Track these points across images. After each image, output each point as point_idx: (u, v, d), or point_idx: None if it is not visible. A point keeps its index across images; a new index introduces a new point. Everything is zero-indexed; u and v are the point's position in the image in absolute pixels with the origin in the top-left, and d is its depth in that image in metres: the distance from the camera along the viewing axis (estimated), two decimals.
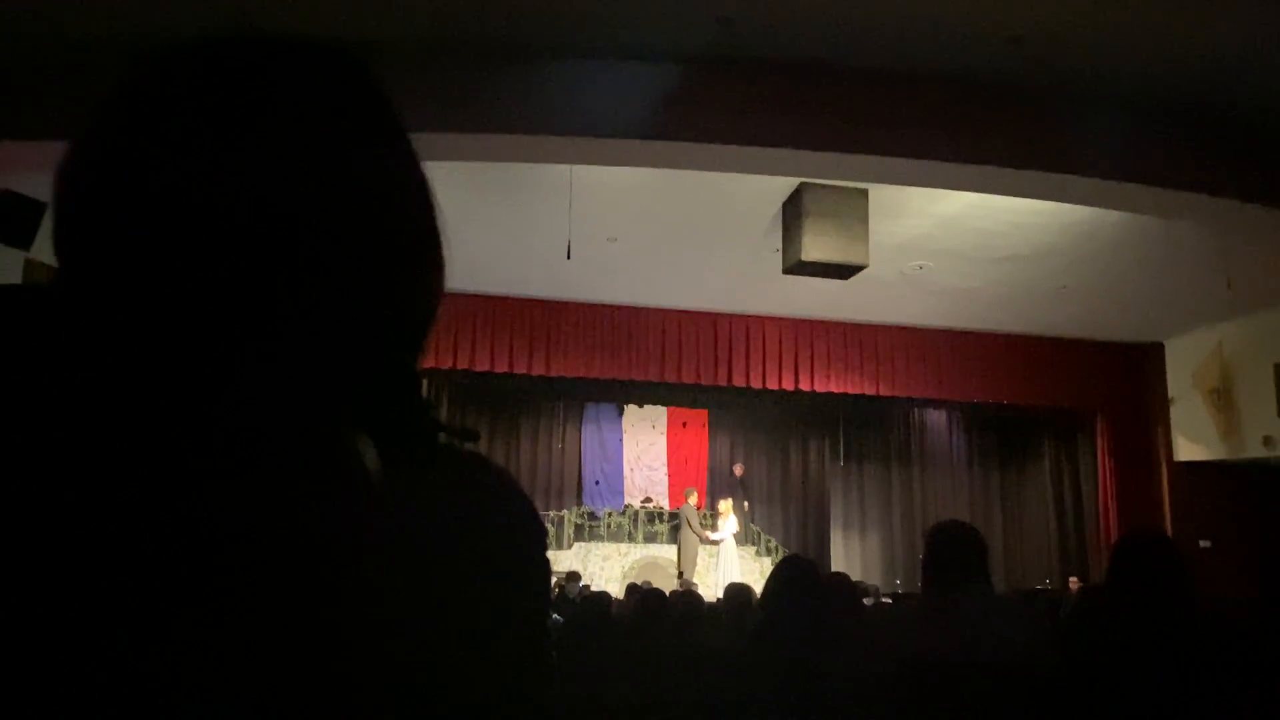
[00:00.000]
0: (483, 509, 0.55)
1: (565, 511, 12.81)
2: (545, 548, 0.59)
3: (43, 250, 6.05)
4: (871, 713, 2.34)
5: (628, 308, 10.71)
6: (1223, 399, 10.54)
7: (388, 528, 0.48)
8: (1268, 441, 10.10)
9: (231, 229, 0.51)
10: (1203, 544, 10.57)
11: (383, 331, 0.57)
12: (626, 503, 13.25)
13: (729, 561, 11.24)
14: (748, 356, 10.96)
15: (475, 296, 10.17)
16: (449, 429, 0.56)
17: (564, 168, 6.64)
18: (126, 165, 0.53)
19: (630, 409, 13.47)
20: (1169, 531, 10.68)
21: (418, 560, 0.49)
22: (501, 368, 10.48)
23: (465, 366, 10.32)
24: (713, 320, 10.92)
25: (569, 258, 7.52)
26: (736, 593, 5.24)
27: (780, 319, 11.02)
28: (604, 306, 10.66)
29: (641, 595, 4.85)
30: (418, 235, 0.60)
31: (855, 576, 10.10)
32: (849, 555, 13.53)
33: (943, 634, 2.36)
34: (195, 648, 0.43)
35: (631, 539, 12.73)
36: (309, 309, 0.53)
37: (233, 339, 0.51)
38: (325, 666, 0.45)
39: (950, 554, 2.55)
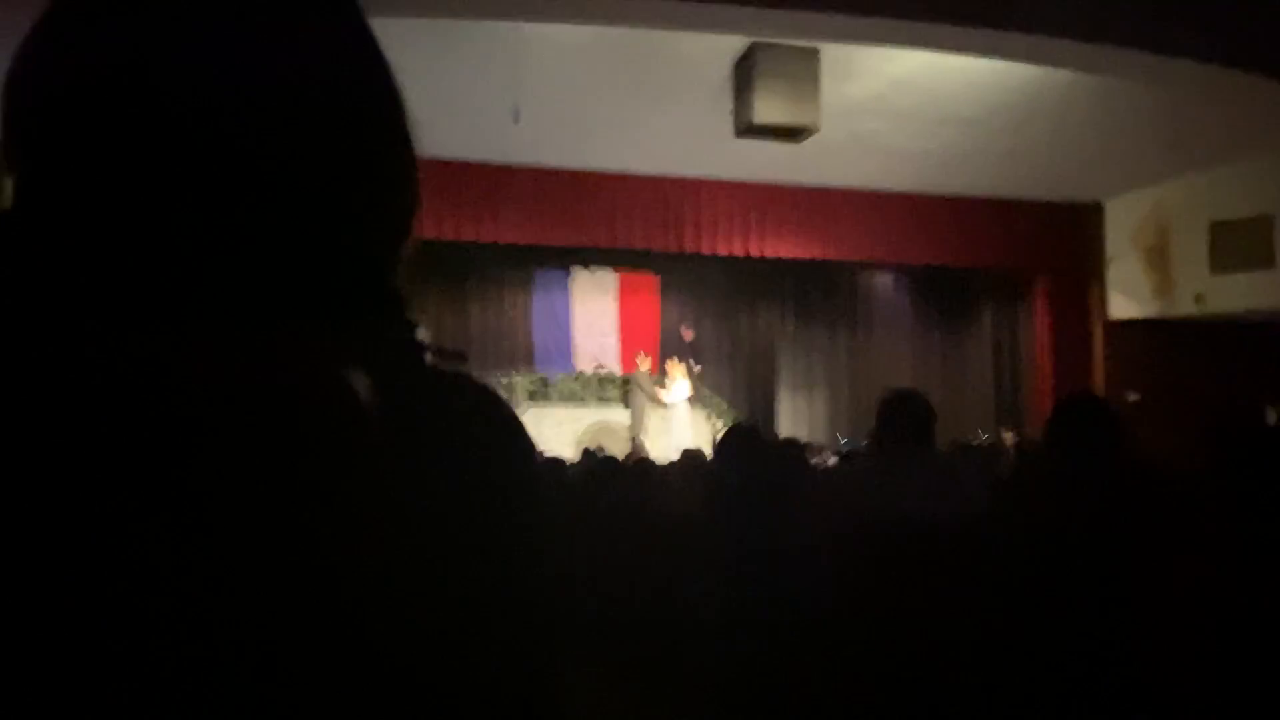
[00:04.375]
0: (475, 433, 0.55)
1: (517, 377, 12.86)
2: (537, 467, 0.60)
3: None
4: (820, 575, 2.45)
5: (576, 172, 10.50)
6: (1158, 257, 10.77)
7: (384, 459, 0.48)
8: (1199, 299, 10.39)
9: (192, 126, 0.49)
10: (1131, 397, 10.94)
11: (360, 248, 0.55)
12: (579, 369, 13.33)
13: (681, 425, 11.47)
14: (699, 221, 10.89)
15: (418, 160, 9.89)
16: (435, 349, 0.55)
17: (509, 24, 6.38)
18: (73, 61, 0.50)
19: (581, 274, 13.38)
20: (1100, 386, 11.08)
21: (415, 490, 0.49)
22: (449, 234, 10.30)
23: None
24: (663, 185, 10.78)
25: (517, 122, 7.31)
26: (690, 459, 5.37)
27: (731, 183, 10.91)
28: (552, 171, 10.44)
29: (594, 462, 4.95)
30: (389, 140, 0.58)
31: (803, 435, 10.40)
32: (796, 415, 13.87)
33: (890, 497, 2.46)
34: (193, 586, 0.43)
35: (584, 403, 12.87)
36: (282, 221, 0.51)
37: (207, 253, 0.49)
38: (325, 600, 0.45)
39: (900, 422, 2.63)
